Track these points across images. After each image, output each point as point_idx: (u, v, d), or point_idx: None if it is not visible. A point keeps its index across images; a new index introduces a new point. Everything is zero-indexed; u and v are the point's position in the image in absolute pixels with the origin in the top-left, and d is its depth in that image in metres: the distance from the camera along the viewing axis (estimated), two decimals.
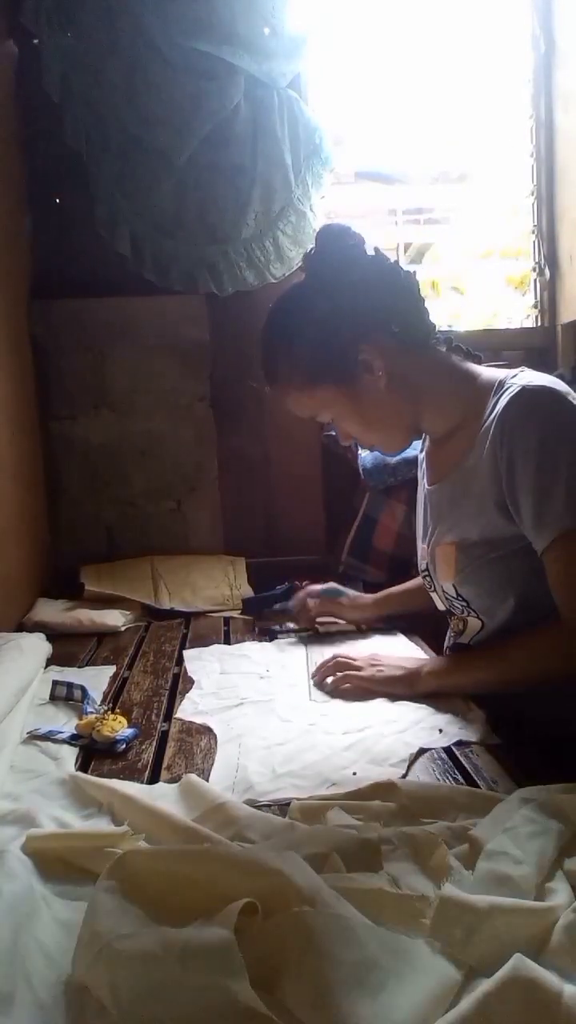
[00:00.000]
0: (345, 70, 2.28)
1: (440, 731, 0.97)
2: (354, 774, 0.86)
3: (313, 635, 1.46)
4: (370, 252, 1.09)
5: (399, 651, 1.32)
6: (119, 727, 0.99)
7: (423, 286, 1.10)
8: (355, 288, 1.06)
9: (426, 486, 1.19)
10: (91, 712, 1.06)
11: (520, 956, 0.49)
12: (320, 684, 1.17)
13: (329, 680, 1.16)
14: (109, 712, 1.04)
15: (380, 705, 1.08)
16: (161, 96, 1.74)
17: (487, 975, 0.50)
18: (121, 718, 1.02)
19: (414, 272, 1.11)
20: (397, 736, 0.97)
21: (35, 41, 1.74)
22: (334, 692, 1.13)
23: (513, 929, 0.55)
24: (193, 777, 0.84)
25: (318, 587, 1.49)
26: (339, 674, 1.15)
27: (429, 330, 1.11)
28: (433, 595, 1.20)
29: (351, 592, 1.49)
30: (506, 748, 0.92)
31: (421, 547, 1.21)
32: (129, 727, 1.02)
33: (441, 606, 1.18)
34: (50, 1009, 0.53)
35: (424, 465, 1.22)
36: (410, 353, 1.09)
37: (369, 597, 1.48)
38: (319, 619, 1.49)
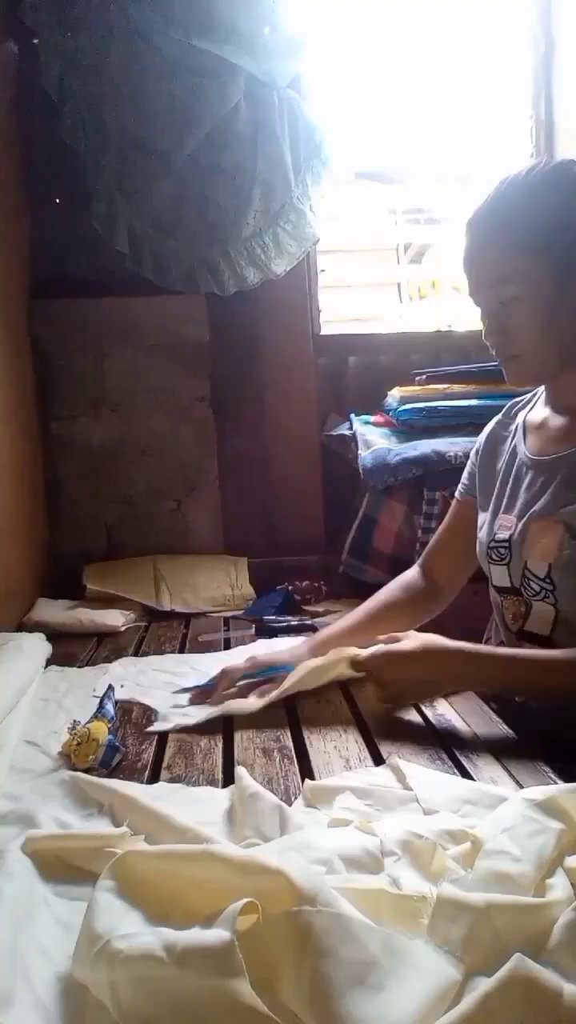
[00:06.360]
0: (345, 70, 2.29)
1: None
2: None
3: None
4: None
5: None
6: (92, 748, 0.90)
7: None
8: None
9: (528, 455, 1.11)
10: (99, 716, 0.97)
11: (520, 955, 0.49)
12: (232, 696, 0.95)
13: (253, 697, 0.93)
14: (81, 728, 0.93)
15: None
16: (161, 95, 1.74)
17: (487, 975, 0.50)
18: (96, 733, 0.91)
19: None
20: None
21: (34, 41, 1.74)
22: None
23: (513, 928, 0.55)
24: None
25: (243, 667, 1.13)
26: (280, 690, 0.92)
27: None
28: (496, 567, 1.10)
29: (287, 653, 1.18)
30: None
31: (505, 518, 1.11)
32: (108, 736, 0.92)
33: (501, 583, 1.10)
34: (50, 1009, 0.53)
35: (523, 432, 1.15)
36: None
37: (305, 648, 1.17)
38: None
